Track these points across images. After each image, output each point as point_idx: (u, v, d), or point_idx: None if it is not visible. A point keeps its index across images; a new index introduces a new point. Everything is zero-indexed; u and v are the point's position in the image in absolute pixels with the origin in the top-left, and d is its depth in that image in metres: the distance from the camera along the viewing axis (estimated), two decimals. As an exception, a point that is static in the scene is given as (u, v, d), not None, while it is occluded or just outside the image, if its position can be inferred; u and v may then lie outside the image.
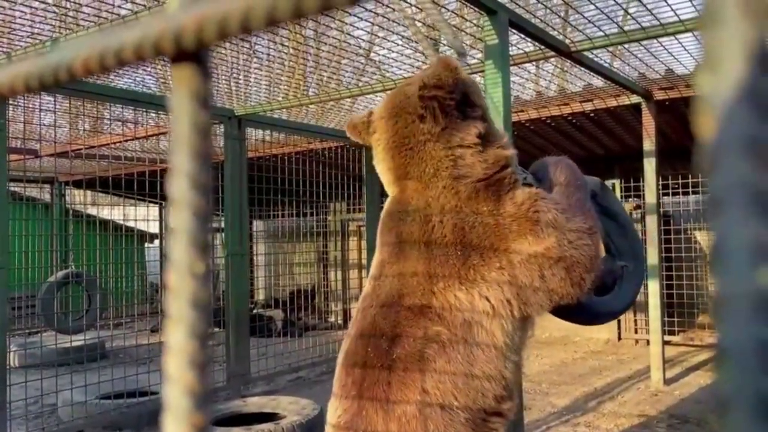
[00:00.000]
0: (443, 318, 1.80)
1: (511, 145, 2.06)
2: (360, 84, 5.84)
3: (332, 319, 9.77)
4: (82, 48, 0.37)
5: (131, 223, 9.79)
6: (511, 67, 4.45)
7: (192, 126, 0.35)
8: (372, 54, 5.53)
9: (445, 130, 1.93)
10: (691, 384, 6.03)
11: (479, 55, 4.90)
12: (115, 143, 7.23)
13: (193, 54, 0.35)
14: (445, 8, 4.56)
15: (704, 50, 0.25)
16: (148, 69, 5.59)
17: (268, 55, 5.47)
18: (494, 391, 1.80)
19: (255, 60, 5.63)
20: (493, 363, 1.80)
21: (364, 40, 5.30)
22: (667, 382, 6.02)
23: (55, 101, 5.50)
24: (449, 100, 1.92)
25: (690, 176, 7.49)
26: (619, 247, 2.45)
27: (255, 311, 8.80)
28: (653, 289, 6.03)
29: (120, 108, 6.34)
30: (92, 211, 10.95)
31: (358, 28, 4.87)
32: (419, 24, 4.33)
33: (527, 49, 4.77)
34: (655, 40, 4.65)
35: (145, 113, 5.99)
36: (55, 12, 4.32)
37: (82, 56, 0.37)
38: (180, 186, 0.36)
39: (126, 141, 7.12)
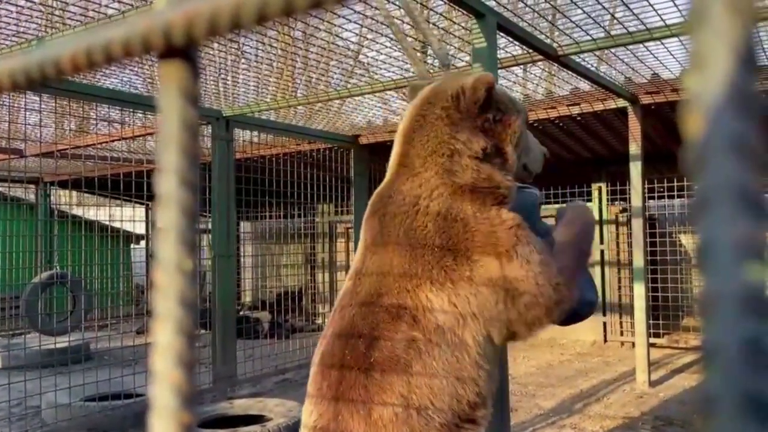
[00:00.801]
0: (418, 321, 1.80)
1: (513, 182, 2.03)
2: (349, 86, 5.84)
3: (320, 321, 9.75)
4: (69, 44, 0.37)
5: (117, 224, 9.72)
6: (499, 71, 4.47)
7: (181, 123, 0.35)
8: (361, 56, 5.53)
9: (462, 121, 1.94)
10: (675, 386, 6.07)
11: (467, 58, 4.92)
12: (101, 143, 7.18)
13: (181, 50, 0.35)
14: (433, 11, 4.58)
15: (691, 50, 0.25)
16: (135, 69, 5.55)
17: (257, 56, 5.45)
18: (468, 397, 1.80)
19: (243, 61, 5.61)
20: (467, 370, 1.80)
21: (353, 42, 5.30)
22: (652, 384, 6.07)
23: (40, 100, 5.44)
24: (486, 106, 1.95)
25: (675, 180, 7.55)
26: None
27: (242, 313, 8.76)
28: (639, 291, 6.07)
29: (106, 108, 6.30)
30: (78, 211, 10.85)
31: (346, 30, 4.87)
32: (404, 27, 4.34)
33: (515, 53, 4.80)
34: (641, 45, 4.69)
35: (131, 113, 5.95)
36: (41, 11, 4.28)
37: (69, 52, 0.37)
38: (168, 183, 0.35)
39: (112, 141, 7.06)
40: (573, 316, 2.29)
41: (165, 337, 0.35)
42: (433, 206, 1.88)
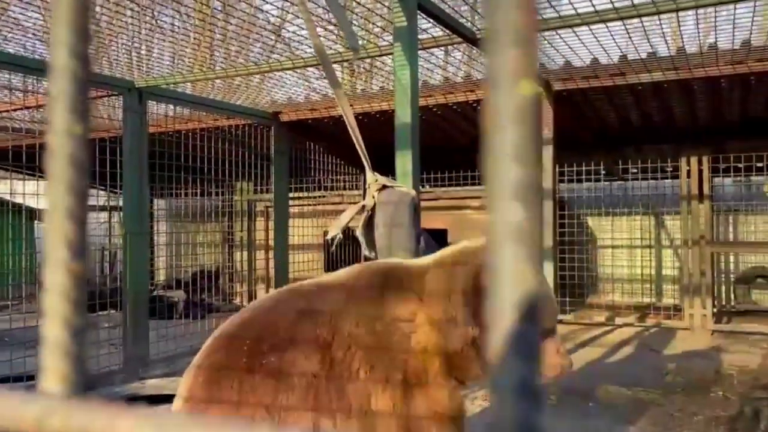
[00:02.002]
0: (325, 358, 1.81)
1: (483, 376, 2.00)
2: (270, 61, 5.74)
3: (237, 300, 9.61)
4: None
5: (19, 199, 9.15)
6: (421, 53, 4.53)
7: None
8: (282, 31, 5.44)
9: (472, 296, 1.90)
10: (580, 359, 6.41)
11: (390, 37, 4.95)
12: (1, 112, 6.73)
13: None
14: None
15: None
16: (39, 34, 5.23)
17: (173, 25, 5.26)
18: None
19: (158, 30, 5.40)
20: None
21: (274, 16, 5.21)
22: (559, 357, 6.38)
23: (-69, 62, 5.04)
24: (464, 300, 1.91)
25: (584, 164, 7.91)
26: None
27: (155, 292, 8.49)
28: (548, 270, 6.36)
29: (7, 75, 5.90)
30: (-26, 186, 10.13)
31: (267, 2, 4.77)
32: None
33: (436, 35, 4.87)
34: (554, 32, 4.87)
35: (36, 81, 5.61)
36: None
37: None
38: (59, 58, 0.35)
39: (14, 110, 6.63)
40: None
41: (53, 279, 0.35)
42: (418, 334, 1.89)
